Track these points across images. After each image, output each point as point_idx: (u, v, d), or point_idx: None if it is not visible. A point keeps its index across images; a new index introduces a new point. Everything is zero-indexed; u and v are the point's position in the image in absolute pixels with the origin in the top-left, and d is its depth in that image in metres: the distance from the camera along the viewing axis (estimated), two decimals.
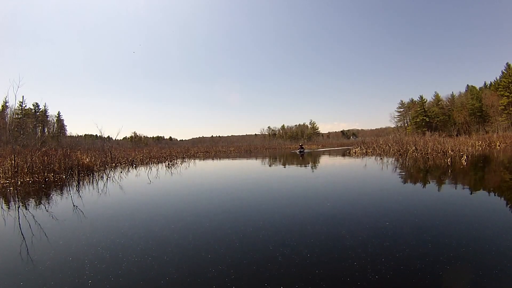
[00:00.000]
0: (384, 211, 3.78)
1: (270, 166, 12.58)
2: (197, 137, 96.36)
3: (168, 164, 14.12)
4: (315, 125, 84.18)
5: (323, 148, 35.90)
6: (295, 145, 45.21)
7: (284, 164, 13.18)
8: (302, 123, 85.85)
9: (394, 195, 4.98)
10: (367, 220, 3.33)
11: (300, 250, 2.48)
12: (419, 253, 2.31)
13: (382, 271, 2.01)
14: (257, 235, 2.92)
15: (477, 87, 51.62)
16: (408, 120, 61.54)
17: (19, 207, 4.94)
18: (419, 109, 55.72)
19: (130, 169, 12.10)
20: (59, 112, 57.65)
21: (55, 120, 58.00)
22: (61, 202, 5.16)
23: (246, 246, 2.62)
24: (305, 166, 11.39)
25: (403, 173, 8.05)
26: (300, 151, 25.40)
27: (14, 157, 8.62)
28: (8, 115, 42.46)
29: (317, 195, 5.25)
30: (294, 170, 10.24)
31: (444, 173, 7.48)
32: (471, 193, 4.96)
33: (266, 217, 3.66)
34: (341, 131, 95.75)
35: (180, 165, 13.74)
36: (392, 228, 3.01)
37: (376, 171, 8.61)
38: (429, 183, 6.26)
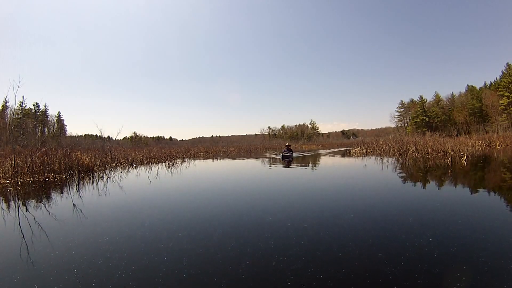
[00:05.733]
0: (423, 223, 3.15)
1: (271, 167, 12.47)
2: (197, 137, 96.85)
3: (168, 164, 14.12)
4: (315, 125, 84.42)
5: (323, 148, 35.74)
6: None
7: (285, 165, 13.12)
8: (302, 123, 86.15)
9: (426, 202, 4.31)
10: (405, 237, 2.72)
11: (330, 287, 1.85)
12: (483, 283, 1.82)
13: None
14: (269, 262, 2.25)
15: (477, 87, 51.68)
16: (408, 120, 61.55)
17: (19, 207, 4.93)
18: (419, 109, 55.73)
19: (130, 169, 12.08)
20: (59, 112, 57.82)
21: (55, 120, 58.04)
22: (61, 202, 5.15)
23: (255, 280, 1.98)
24: (312, 168, 11.14)
25: (423, 176, 7.70)
26: (284, 155, 16.39)
27: (14, 157, 8.62)
28: (8, 115, 42.44)
29: (336, 204, 4.42)
30: (300, 173, 10.03)
31: (469, 176, 7.45)
32: None
33: (278, 235, 2.90)
34: (341, 131, 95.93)
35: (180, 165, 13.73)
36: (437, 246, 2.45)
37: (387, 174, 8.32)
38: (473, 188, 5.42)
